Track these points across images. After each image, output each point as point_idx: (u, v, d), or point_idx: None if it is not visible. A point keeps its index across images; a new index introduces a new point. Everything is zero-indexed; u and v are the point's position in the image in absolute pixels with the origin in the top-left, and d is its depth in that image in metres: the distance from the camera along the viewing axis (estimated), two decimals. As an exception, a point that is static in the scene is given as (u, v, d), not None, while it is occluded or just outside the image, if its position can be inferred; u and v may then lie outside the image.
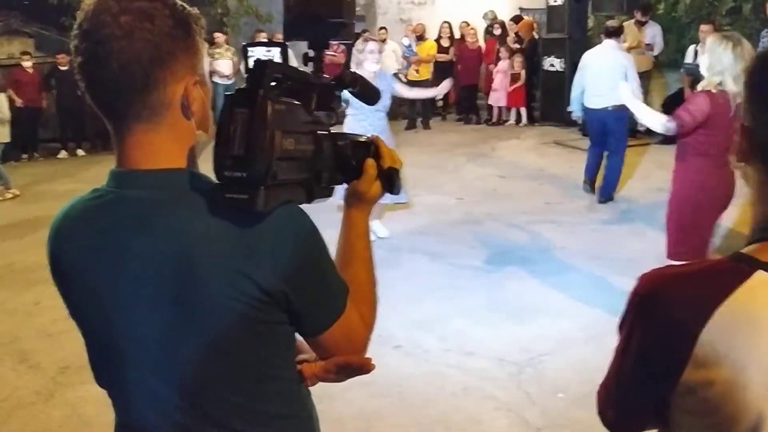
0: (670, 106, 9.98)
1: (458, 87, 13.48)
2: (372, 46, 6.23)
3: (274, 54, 1.37)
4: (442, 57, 13.13)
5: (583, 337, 4.17)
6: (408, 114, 12.58)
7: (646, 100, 10.56)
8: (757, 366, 0.99)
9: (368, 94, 1.38)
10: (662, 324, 1.06)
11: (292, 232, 1.16)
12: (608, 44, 7.57)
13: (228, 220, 1.11)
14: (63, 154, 11.94)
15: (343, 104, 1.31)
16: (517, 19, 13.53)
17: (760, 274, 1.02)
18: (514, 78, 12.30)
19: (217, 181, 1.09)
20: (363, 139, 1.35)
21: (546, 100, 12.34)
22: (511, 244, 6.20)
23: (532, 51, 12.61)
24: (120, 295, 1.17)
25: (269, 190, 1.09)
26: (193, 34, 1.17)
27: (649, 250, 5.68)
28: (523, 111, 12.46)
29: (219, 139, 1.08)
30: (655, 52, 10.30)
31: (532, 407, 3.66)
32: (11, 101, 10.88)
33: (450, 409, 3.65)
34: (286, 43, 1.35)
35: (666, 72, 10.62)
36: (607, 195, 7.43)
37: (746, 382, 0.99)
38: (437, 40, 13.29)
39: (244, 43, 1.37)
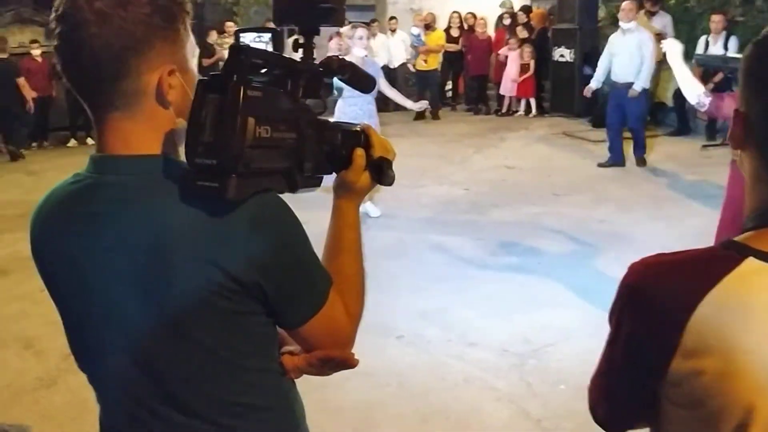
0: (681, 97, 9.94)
1: (467, 77, 13.45)
2: (361, 32, 6.29)
3: (266, 40, 1.34)
4: (452, 47, 13.08)
5: (587, 329, 4.13)
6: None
7: (656, 92, 10.51)
8: (748, 355, 0.96)
9: (361, 81, 1.33)
10: (649, 313, 1.04)
11: (266, 221, 1.12)
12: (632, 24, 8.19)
13: (200, 208, 1.09)
14: (72, 142, 11.99)
15: (335, 92, 1.27)
16: (526, 10, 13.45)
17: (751, 261, 0.99)
18: (524, 68, 12.23)
19: (189, 168, 1.07)
20: (354, 128, 1.31)
21: (556, 90, 12.29)
22: (517, 236, 6.17)
23: (542, 41, 12.53)
24: (96, 281, 1.16)
25: (242, 178, 1.05)
26: (174, 22, 1.14)
27: (655, 241, 5.66)
28: (533, 101, 12.40)
29: (190, 125, 1.05)
30: (666, 43, 10.19)
31: (533, 398, 3.65)
32: (21, 95, 10.95)
33: (451, 399, 3.64)
34: (278, 29, 1.32)
35: (677, 63, 10.51)
36: (642, 153, 8.36)
37: (736, 372, 0.96)
38: (447, 30, 13.24)
39: (236, 29, 1.34)
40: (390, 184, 1.33)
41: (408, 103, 7.22)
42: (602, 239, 5.91)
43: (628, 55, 8.25)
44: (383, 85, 6.58)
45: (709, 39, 9.33)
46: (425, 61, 12.80)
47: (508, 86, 12.51)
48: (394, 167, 1.33)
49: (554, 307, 4.68)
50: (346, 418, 3.45)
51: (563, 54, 11.89)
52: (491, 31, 13.49)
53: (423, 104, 7.97)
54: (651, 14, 10.12)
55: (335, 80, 1.27)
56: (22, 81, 10.97)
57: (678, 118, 10.06)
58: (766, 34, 1.07)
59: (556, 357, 4.01)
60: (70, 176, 1.22)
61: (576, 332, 4.20)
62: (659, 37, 9.96)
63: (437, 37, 12.99)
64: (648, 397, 1.07)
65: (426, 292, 4.98)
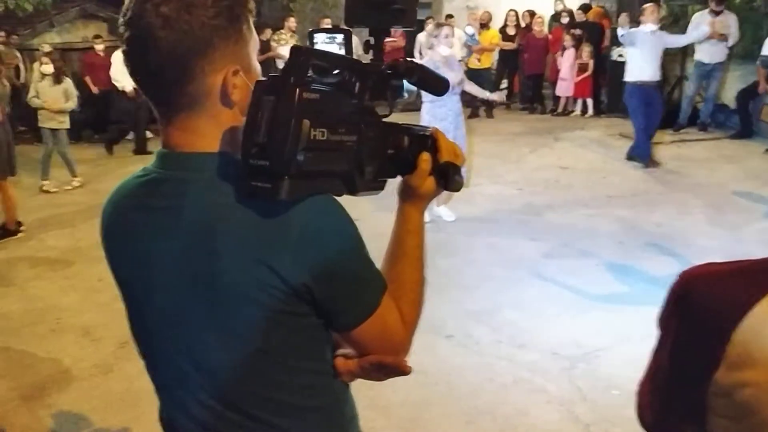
0: (743, 99, 9.69)
1: (523, 76, 13.31)
2: (446, 30, 6.24)
3: (337, 40, 1.33)
4: (507, 45, 12.96)
5: (640, 333, 4.05)
6: (471, 102, 12.48)
7: (719, 93, 10.26)
8: None
9: (431, 83, 1.30)
10: (696, 323, 1.03)
11: (318, 223, 1.11)
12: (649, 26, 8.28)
13: (253, 208, 1.09)
14: (131, 135, 12.25)
15: (406, 94, 1.25)
16: (585, 8, 13.24)
17: None
18: (582, 68, 12.05)
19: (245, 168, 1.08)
20: (422, 132, 1.29)
21: (613, 91, 12.05)
22: (570, 237, 6.09)
23: (598, 40, 12.31)
24: (155, 273, 1.19)
25: (295, 180, 1.05)
26: (238, 22, 1.15)
27: (714, 247, 5.53)
28: (590, 102, 12.21)
29: (246, 127, 1.05)
30: (730, 43, 9.94)
31: (582, 403, 3.60)
32: (87, 87, 11.25)
33: (498, 401, 3.62)
34: (351, 30, 1.31)
35: (741, 64, 10.25)
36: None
37: None
38: (503, 28, 13.12)
39: (310, 29, 1.35)
40: (457, 190, 1.31)
41: (486, 94, 7.22)
42: (658, 243, 5.80)
43: (655, 55, 8.34)
44: (464, 82, 6.60)
45: (776, 40, 9.05)
46: (478, 59, 12.72)
47: (564, 86, 12.34)
48: None
49: (606, 311, 4.61)
50: (394, 416, 3.46)
51: (622, 54, 11.64)
52: (547, 30, 13.32)
53: (501, 94, 7.88)
54: (715, 14, 9.85)
55: (406, 83, 1.26)
56: (87, 80, 11.30)
57: (740, 120, 9.79)
58: None
59: (607, 361, 3.95)
60: (139, 170, 1.25)
61: (628, 337, 4.13)
62: (723, 37, 9.75)
63: (491, 36, 12.87)
64: (694, 405, 1.06)
65: (476, 292, 4.96)
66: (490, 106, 12.51)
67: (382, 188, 1.25)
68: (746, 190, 7.24)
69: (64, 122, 8.46)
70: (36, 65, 11.78)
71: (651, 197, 7.26)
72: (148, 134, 12.32)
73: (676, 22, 11.44)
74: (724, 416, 1.03)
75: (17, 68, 11.81)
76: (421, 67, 1.27)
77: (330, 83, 1.11)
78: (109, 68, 11.97)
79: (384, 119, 1.23)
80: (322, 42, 1.35)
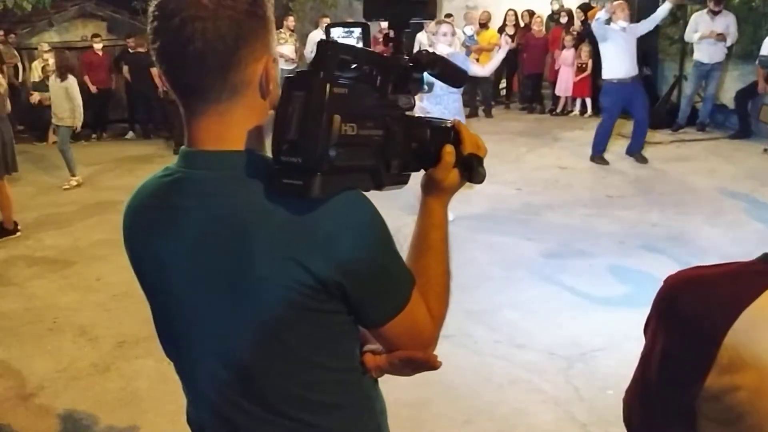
0: (742, 99, 9.69)
1: (522, 76, 13.31)
2: (445, 28, 6.20)
3: (355, 34, 1.32)
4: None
5: (637, 334, 3.98)
6: (470, 102, 12.48)
7: (718, 93, 10.26)
8: None
9: (451, 75, 1.29)
10: (685, 328, 1.02)
11: (349, 219, 1.10)
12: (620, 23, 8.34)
13: (284, 206, 1.08)
14: (130, 134, 12.27)
15: (425, 87, 1.24)
16: (585, 8, 13.24)
17: None
18: (581, 68, 12.05)
19: (275, 165, 1.06)
20: (443, 124, 1.27)
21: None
22: (568, 237, 6.09)
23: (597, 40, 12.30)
24: (182, 275, 1.17)
25: (326, 176, 1.04)
26: (267, 13, 1.15)
27: (713, 247, 5.53)
28: (588, 101, 12.21)
29: (277, 123, 1.04)
30: (729, 43, 9.94)
31: (580, 402, 3.60)
32: (86, 87, 11.26)
33: (496, 401, 3.62)
34: (368, 23, 1.30)
35: (740, 64, 10.25)
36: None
37: None
38: (502, 28, 13.12)
39: (327, 24, 1.34)
40: (481, 181, 1.29)
41: (500, 55, 7.17)
42: (656, 243, 5.80)
43: (629, 50, 8.36)
44: (477, 69, 6.62)
45: (775, 40, 9.04)
46: (477, 59, 12.71)
47: (563, 86, 12.34)
48: None
49: (604, 311, 4.61)
50: (392, 416, 3.40)
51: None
52: (545, 30, 13.32)
53: (505, 48, 7.87)
54: (714, 14, 9.86)
55: (426, 75, 1.24)
56: (85, 80, 11.30)
57: (739, 120, 9.80)
58: None
59: (605, 362, 3.95)
60: (161, 169, 1.24)
61: (626, 337, 4.12)
62: (721, 37, 9.75)
63: (490, 36, 12.87)
64: (683, 411, 1.06)
65: (475, 292, 4.95)
66: (488, 105, 12.53)
67: (406, 182, 1.25)
68: (745, 191, 7.24)
69: (64, 119, 8.47)
70: (35, 64, 11.83)
71: (650, 197, 7.25)
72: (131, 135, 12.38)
73: (675, 22, 11.44)
74: (713, 420, 1.03)
75: (16, 67, 11.81)
76: (443, 58, 1.25)
77: (351, 77, 1.10)
78: (108, 67, 12.02)
79: (407, 112, 1.22)
80: (339, 36, 1.33)
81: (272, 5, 1.17)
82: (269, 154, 1.14)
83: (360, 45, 1.28)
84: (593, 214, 6.72)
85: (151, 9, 1.12)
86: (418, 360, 1.25)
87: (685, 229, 6.18)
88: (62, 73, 8.38)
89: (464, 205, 6.75)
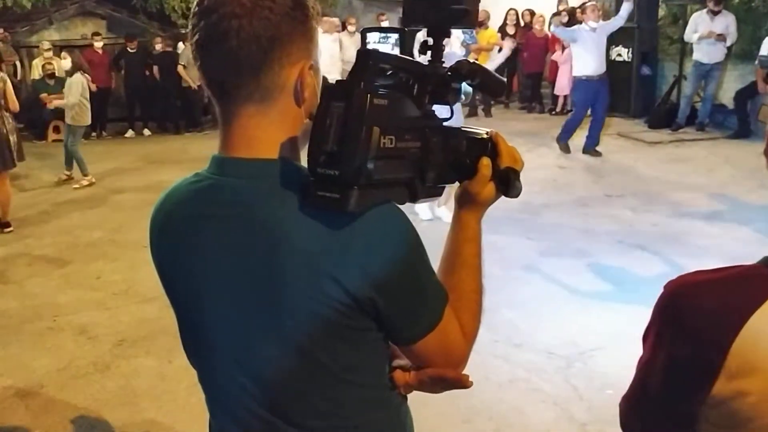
0: (741, 99, 9.70)
1: (522, 75, 13.31)
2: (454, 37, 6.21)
3: (391, 40, 1.28)
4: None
5: (636, 333, 3.98)
6: (469, 101, 12.47)
7: (718, 93, 10.26)
8: None
9: (491, 86, 1.23)
10: (690, 336, 1.01)
11: (385, 235, 1.07)
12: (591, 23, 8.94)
13: (318, 219, 1.05)
14: (130, 133, 12.28)
15: (462, 97, 1.20)
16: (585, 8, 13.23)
17: None
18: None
19: (310, 177, 1.03)
20: (480, 136, 1.23)
21: (611, 90, 12.02)
22: (567, 236, 6.10)
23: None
24: (210, 283, 1.15)
25: (363, 189, 1.01)
26: (309, 18, 1.12)
27: (712, 247, 5.54)
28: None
29: (314, 134, 1.01)
30: (728, 43, 9.94)
31: (578, 402, 3.61)
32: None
33: (495, 400, 3.63)
34: (405, 29, 1.26)
35: (739, 64, 10.26)
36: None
37: None
38: (502, 27, 13.12)
39: (363, 28, 1.30)
40: (517, 195, 1.24)
41: (502, 56, 7.51)
42: (655, 243, 5.80)
43: (598, 50, 8.96)
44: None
45: (774, 40, 9.05)
46: (476, 59, 12.70)
47: (562, 85, 12.33)
48: None
49: (603, 311, 4.61)
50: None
51: (620, 53, 11.66)
52: (548, 29, 13.31)
53: (506, 51, 8.29)
54: (714, 14, 9.86)
55: (464, 85, 1.21)
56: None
57: (738, 120, 9.81)
58: None
59: (603, 361, 3.95)
60: (191, 175, 1.20)
61: (624, 337, 4.12)
62: (720, 37, 9.76)
63: (489, 36, 12.86)
64: (686, 417, 1.05)
65: (473, 291, 4.95)
66: (488, 105, 12.53)
67: (440, 194, 1.21)
68: (744, 190, 7.25)
69: (72, 117, 8.59)
70: (35, 62, 11.84)
71: (649, 197, 7.26)
72: (146, 132, 12.38)
73: (675, 22, 11.45)
74: (719, 426, 1.02)
75: (15, 66, 11.81)
76: (483, 69, 1.21)
77: (391, 85, 1.08)
78: (107, 66, 12.03)
79: (444, 123, 1.19)
80: (374, 42, 1.29)
81: (317, 13, 1.14)
82: (304, 164, 1.11)
83: (396, 52, 1.22)
84: (592, 214, 6.72)
85: (193, 5, 1.11)
86: (449, 379, 1.21)
87: (684, 228, 6.18)
88: (72, 71, 8.65)
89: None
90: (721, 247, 5.50)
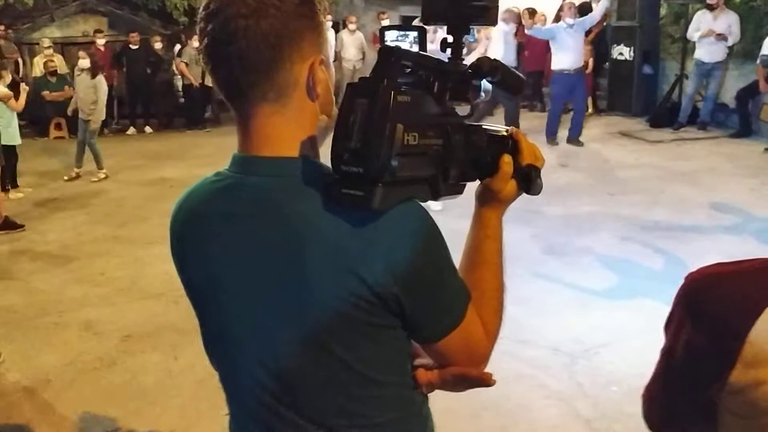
0: (743, 98, 9.71)
1: (524, 73, 13.30)
2: (441, 33, 6.23)
3: (410, 38, 1.27)
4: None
5: (640, 330, 4.08)
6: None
7: (719, 92, 10.28)
8: None
9: (512, 83, 1.23)
10: (709, 324, 1.03)
11: (409, 232, 1.07)
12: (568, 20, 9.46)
13: (342, 216, 1.05)
14: (131, 130, 12.27)
15: (482, 94, 1.21)
16: (584, 7, 13.23)
17: None
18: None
19: (334, 175, 1.04)
20: (501, 133, 1.22)
21: (613, 89, 12.07)
22: (570, 234, 6.11)
23: (599, 39, 12.32)
24: (232, 281, 1.15)
25: (387, 187, 1.01)
26: (317, 13, 1.12)
27: (714, 245, 5.55)
28: (589, 100, 12.20)
29: (338, 131, 1.01)
30: (730, 42, 9.96)
31: (584, 398, 3.63)
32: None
33: (501, 396, 3.63)
34: (424, 27, 1.25)
35: (741, 63, 10.27)
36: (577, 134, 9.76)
37: None
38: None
39: (381, 26, 1.28)
40: (538, 193, 1.25)
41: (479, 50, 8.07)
42: (657, 241, 5.82)
43: (575, 46, 9.48)
44: None
45: (776, 39, 9.06)
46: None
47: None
48: None
49: (607, 308, 4.63)
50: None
51: (622, 52, 11.68)
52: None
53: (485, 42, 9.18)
54: (711, 8, 9.87)
55: (483, 82, 1.20)
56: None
57: (740, 119, 9.82)
58: None
59: (608, 358, 3.97)
60: (212, 174, 1.20)
61: (628, 334, 4.16)
62: (720, 37, 9.77)
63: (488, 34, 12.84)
64: (705, 406, 1.07)
65: (477, 288, 4.96)
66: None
67: (461, 192, 1.21)
68: (746, 189, 7.27)
69: (92, 114, 8.66)
70: (37, 59, 11.84)
71: (651, 195, 7.28)
72: (147, 129, 12.39)
73: (676, 21, 11.46)
74: (737, 414, 1.04)
75: (16, 63, 11.81)
76: (504, 66, 1.20)
77: (412, 83, 1.08)
78: (109, 63, 12.04)
79: (465, 120, 1.18)
80: (393, 39, 1.28)
81: (325, 9, 1.15)
82: (323, 161, 1.12)
83: (415, 49, 1.22)
84: (595, 212, 6.74)
85: (199, 9, 1.12)
86: (472, 378, 1.22)
87: (686, 226, 6.20)
88: (94, 71, 8.69)
89: (465, 200, 6.76)
90: (723, 245, 5.51)
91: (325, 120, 1.16)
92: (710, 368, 1.03)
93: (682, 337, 1.07)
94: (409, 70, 1.08)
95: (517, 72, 1.25)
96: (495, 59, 1.20)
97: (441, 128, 1.11)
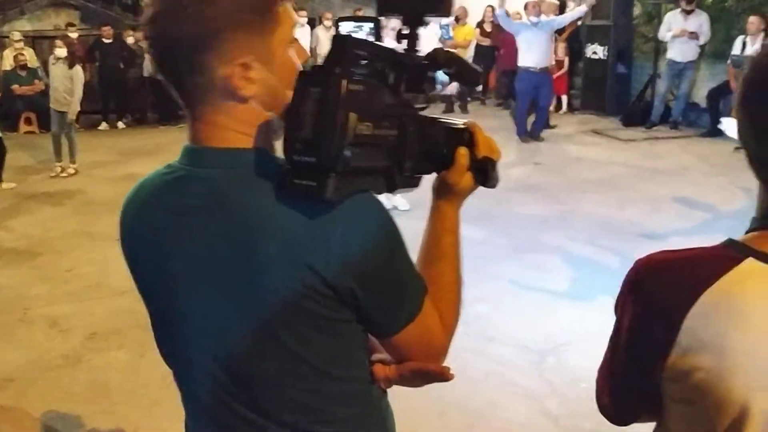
0: (714, 98, 9.82)
1: (499, 72, 13.36)
2: (395, 23, 6.21)
3: (365, 29, 1.27)
4: (484, 41, 13.00)
5: (608, 328, 4.07)
6: (446, 97, 12.50)
7: (691, 91, 10.39)
8: (742, 355, 0.97)
9: (467, 75, 1.22)
10: (647, 309, 1.05)
11: (363, 223, 1.05)
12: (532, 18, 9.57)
13: (296, 207, 1.02)
14: (104, 126, 12.13)
15: (439, 86, 1.19)
16: (561, 7, 13.31)
17: (750, 262, 1.00)
18: (558, 65, 12.11)
19: (286, 165, 1.01)
20: (457, 126, 1.21)
21: (587, 88, 12.16)
22: (541, 232, 6.14)
23: (573, 37, 12.40)
24: (183, 274, 1.13)
25: (341, 177, 0.99)
26: (261, 12, 1.07)
27: (685, 243, 5.59)
28: (564, 98, 12.29)
29: (289, 120, 1.00)
30: (701, 42, 10.07)
31: (552, 396, 3.64)
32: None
33: (468, 394, 3.64)
34: (379, 19, 1.25)
35: (712, 63, 10.39)
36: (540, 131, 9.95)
37: (730, 371, 0.97)
38: (480, 24, 13.15)
39: (337, 18, 1.27)
40: (494, 186, 1.25)
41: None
42: (628, 239, 5.85)
43: (540, 44, 9.51)
44: None
45: (747, 40, 9.17)
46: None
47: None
48: None
49: (576, 306, 4.65)
50: (364, 408, 3.45)
51: (596, 51, 11.76)
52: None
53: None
54: (687, 13, 9.98)
55: (439, 74, 1.19)
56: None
57: (711, 119, 9.94)
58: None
59: (576, 356, 3.99)
60: (163, 167, 1.17)
61: (597, 331, 4.11)
62: (693, 35, 9.88)
63: (466, 33, 12.90)
64: (650, 390, 1.09)
65: (448, 286, 4.97)
66: (464, 101, 12.56)
67: (417, 185, 1.20)
68: (716, 188, 7.35)
69: (68, 105, 8.51)
70: (7, 53, 11.67)
71: (623, 193, 7.33)
72: (120, 125, 12.26)
73: (650, 21, 11.56)
74: (676, 400, 1.06)
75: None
76: (460, 58, 1.20)
77: (362, 73, 1.05)
78: (82, 57, 11.88)
79: (420, 112, 1.17)
80: (349, 30, 1.28)
81: (279, 3, 1.09)
82: (278, 154, 1.09)
83: (371, 40, 1.19)
84: (566, 210, 6.78)
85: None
86: (431, 372, 1.20)
87: (658, 225, 6.25)
88: (71, 60, 8.54)
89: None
90: (693, 243, 5.47)
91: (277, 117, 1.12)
92: (648, 353, 1.05)
93: (625, 321, 1.09)
94: (364, 61, 1.06)
95: (473, 65, 1.24)
96: (450, 51, 1.20)
97: (396, 119, 1.09)
